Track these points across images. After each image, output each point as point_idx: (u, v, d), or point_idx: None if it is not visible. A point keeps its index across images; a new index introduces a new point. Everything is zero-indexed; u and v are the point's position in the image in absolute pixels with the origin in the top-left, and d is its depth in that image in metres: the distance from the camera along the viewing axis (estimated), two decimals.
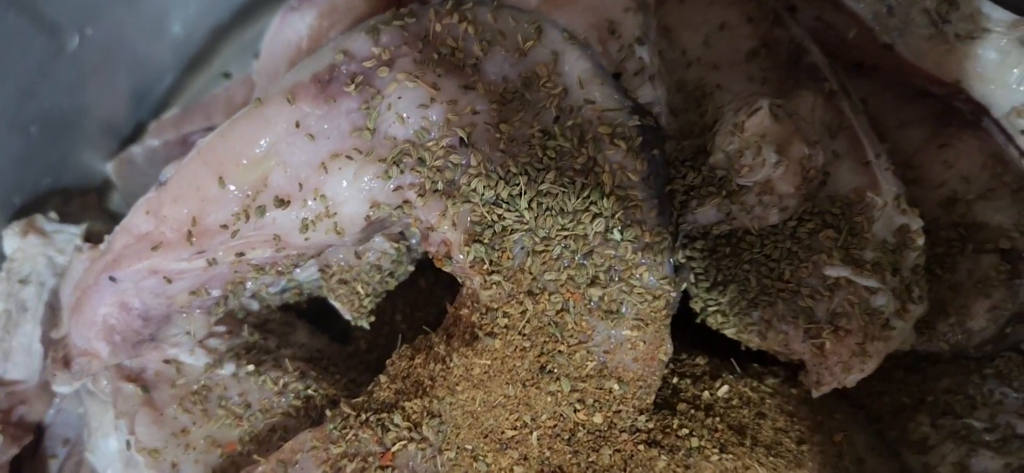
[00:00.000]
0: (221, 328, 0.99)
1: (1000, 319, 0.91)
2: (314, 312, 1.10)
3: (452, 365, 0.83)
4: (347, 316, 0.98)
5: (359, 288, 0.96)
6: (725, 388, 0.90)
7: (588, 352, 0.82)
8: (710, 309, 0.91)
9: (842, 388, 0.99)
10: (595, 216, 0.80)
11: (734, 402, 0.90)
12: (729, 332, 0.92)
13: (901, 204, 0.88)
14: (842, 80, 0.98)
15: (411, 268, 0.99)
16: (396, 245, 0.95)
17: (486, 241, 0.81)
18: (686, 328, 0.94)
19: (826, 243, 0.87)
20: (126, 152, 1.19)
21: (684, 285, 0.87)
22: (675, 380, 0.91)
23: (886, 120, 1.02)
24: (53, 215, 1.10)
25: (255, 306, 1.02)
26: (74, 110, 1.13)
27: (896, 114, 1.02)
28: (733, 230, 0.90)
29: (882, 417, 1.00)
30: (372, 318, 0.98)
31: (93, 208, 1.19)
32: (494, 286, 0.81)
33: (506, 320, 0.81)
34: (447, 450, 0.83)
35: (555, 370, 0.82)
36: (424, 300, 1.12)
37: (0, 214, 1.09)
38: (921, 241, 0.87)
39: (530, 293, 0.81)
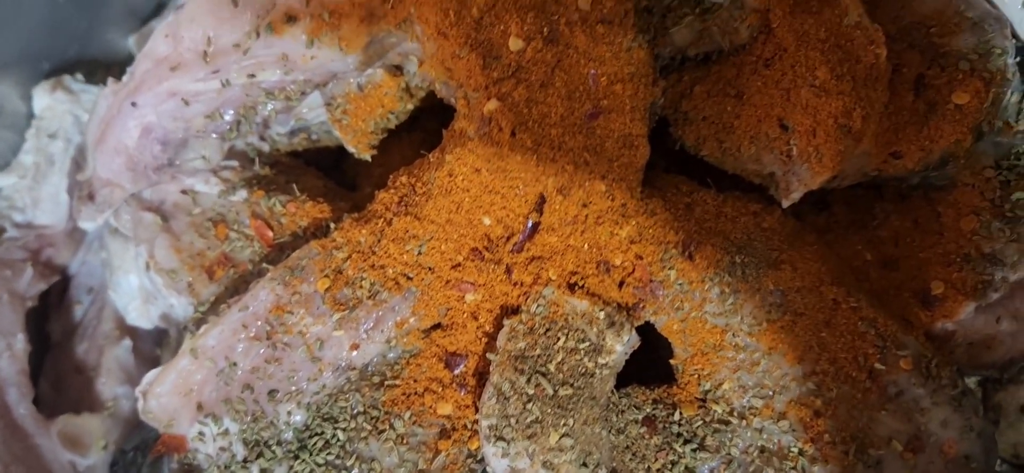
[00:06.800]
0: (234, 163, 1.05)
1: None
2: (324, 166, 1.17)
3: (446, 161, 0.89)
4: (350, 149, 1.04)
5: (361, 122, 1.03)
6: (703, 201, 0.97)
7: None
8: (688, 130, 0.97)
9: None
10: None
11: (710, 214, 0.96)
12: (706, 154, 0.97)
13: (863, 21, 0.93)
14: None
15: (410, 108, 1.06)
16: (396, 78, 1.02)
17: None
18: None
19: None
20: (147, 26, 1.25)
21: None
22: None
23: None
24: (79, 77, 1.18)
25: (266, 148, 1.08)
26: None
27: None
28: (708, 53, 0.96)
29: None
30: (374, 151, 1.05)
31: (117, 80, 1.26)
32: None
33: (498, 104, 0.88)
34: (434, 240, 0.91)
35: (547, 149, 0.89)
36: None
37: (31, 76, 1.16)
38: (882, 52, 0.92)
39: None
